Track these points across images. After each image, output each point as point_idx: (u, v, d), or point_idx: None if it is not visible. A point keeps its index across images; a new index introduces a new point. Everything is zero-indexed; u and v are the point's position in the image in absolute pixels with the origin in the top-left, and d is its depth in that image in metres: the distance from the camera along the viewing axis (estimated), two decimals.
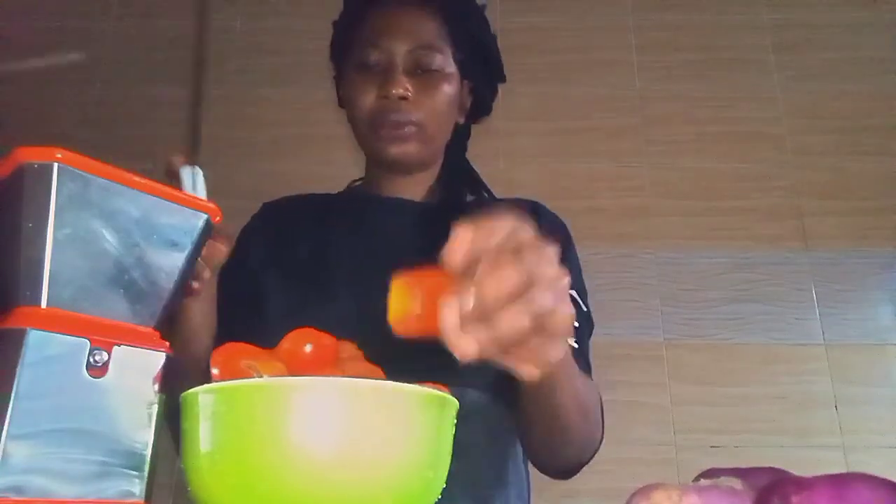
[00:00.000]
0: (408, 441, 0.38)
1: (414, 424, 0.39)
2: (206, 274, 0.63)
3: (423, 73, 0.84)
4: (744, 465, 0.46)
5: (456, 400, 0.43)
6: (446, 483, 0.42)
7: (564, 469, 0.77)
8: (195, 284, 0.63)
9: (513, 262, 0.41)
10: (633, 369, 1.66)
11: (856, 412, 1.64)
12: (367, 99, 0.84)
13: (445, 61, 0.86)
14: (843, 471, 0.40)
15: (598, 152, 1.90)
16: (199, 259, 0.60)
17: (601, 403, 0.76)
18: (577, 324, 0.78)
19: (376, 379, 0.41)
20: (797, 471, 0.43)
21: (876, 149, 1.86)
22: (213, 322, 0.73)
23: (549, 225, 0.90)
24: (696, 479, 0.45)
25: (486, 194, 0.98)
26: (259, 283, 0.85)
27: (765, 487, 0.41)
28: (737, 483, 0.43)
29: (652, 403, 1.65)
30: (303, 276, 0.83)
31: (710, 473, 0.45)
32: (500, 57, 0.96)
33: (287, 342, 0.47)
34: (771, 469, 0.45)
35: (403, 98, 0.82)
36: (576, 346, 0.77)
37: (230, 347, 0.46)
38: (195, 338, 0.69)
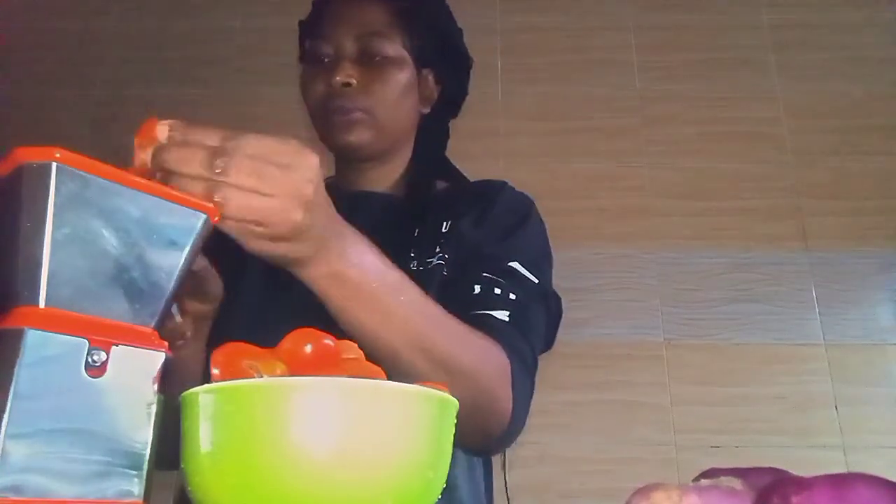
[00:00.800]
0: (408, 441, 0.38)
1: (414, 424, 0.39)
2: (188, 332, 0.65)
3: (370, 61, 0.84)
4: (744, 465, 0.46)
5: (456, 400, 0.43)
6: None
7: (463, 436, 0.75)
8: (179, 342, 0.64)
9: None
10: (633, 369, 1.66)
11: (856, 412, 1.64)
12: (317, 89, 0.85)
13: (393, 47, 0.85)
14: (843, 471, 0.40)
15: (598, 152, 1.90)
16: (182, 317, 0.61)
17: (513, 373, 0.70)
18: (513, 295, 0.76)
19: (377, 379, 0.41)
20: (797, 471, 0.43)
21: (876, 149, 1.87)
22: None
23: (509, 200, 0.88)
24: (697, 479, 0.45)
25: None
26: (228, 283, 0.85)
27: (765, 487, 0.40)
28: (737, 483, 0.43)
29: (652, 403, 1.65)
30: (274, 276, 0.83)
31: (710, 473, 0.45)
32: (461, 44, 0.95)
33: (288, 342, 0.47)
34: (771, 469, 0.45)
35: (347, 84, 0.82)
36: (506, 319, 0.73)
37: (230, 347, 0.46)
38: (193, 378, 0.68)
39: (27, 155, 0.39)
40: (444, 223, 0.84)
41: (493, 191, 0.89)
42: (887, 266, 1.76)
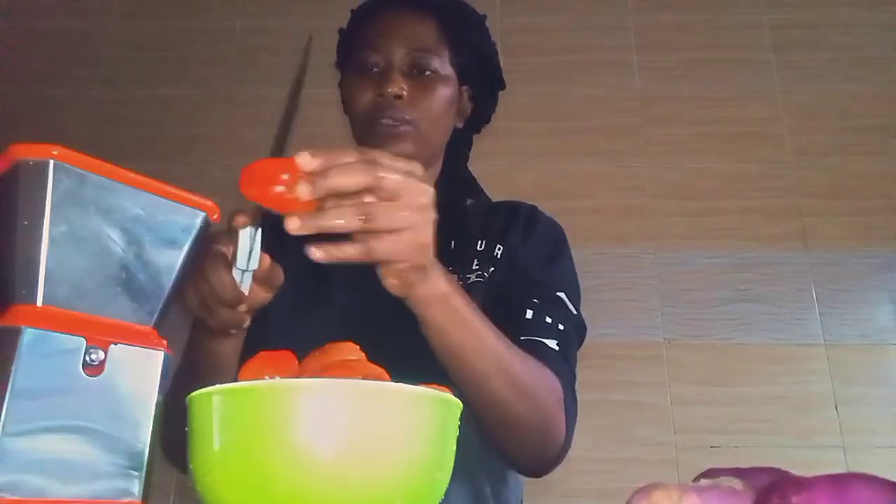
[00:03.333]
0: (414, 441, 0.39)
1: (420, 425, 0.39)
2: (247, 321, 0.66)
3: (419, 75, 0.86)
4: (744, 465, 0.46)
5: (460, 402, 0.43)
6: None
7: (522, 457, 0.77)
8: (233, 331, 0.66)
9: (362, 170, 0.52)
10: (633, 369, 1.66)
11: (856, 412, 1.64)
12: (364, 98, 0.86)
13: (441, 64, 0.88)
14: (843, 471, 0.40)
15: (598, 152, 1.90)
16: (242, 305, 0.62)
17: (565, 401, 0.75)
18: (561, 326, 0.80)
19: (382, 381, 0.41)
20: (797, 471, 0.43)
21: (876, 149, 1.87)
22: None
23: (541, 231, 0.92)
24: (697, 479, 0.45)
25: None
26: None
27: (765, 487, 0.40)
28: (737, 483, 0.43)
29: (652, 403, 1.65)
30: (303, 281, 0.84)
31: (710, 473, 0.45)
32: (499, 64, 0.97)
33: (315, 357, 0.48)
34: (771, 469, 0.45)
35: (398, 97, 0.84)
36: (556, 348, 0.78)
37: (259, 361, 0.47)
38: (227, 372, 0.69)
39: (24, 152, 0.39)
40: (479, 241, 0.87)
41: (527, 213, 0.93)
42: (887, 266, 1.76)
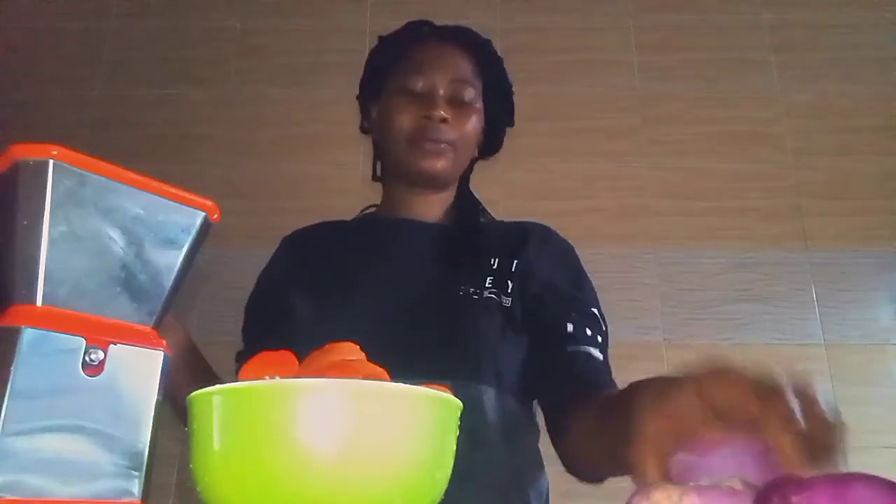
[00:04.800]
0: (414, 441, 0.39)
1: (420, 425, 0.39)
2: None
3: (459, 104, 0.95)
4: None
5: (459, 401, 0.43)
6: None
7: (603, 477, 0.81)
8: None
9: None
10: (633, 369, 1.64)
11: (856, 412, 1.63)
12: (408, 119, 0.93)
13: (476, 96, 0.97)
14: (843, 471, 0.40)
15: (598, 152, 1.90)
16: None
17: None
18: (599, 338, 0.85)
19: (382, 381, 0.41)
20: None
21: (876, 149, 1.86)
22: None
23: (553, 244, 0.96)
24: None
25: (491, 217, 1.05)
26: (287, 300, 0.91)
27: (765, 487, 0.40)
28: (737, 483, 0.43)
29: None
30: (326, 292, 0.90)
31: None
32: (513, 102, 1.06)
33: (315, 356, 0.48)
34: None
35: (444, 120, 0.92)
36: (601, 357, 0.83)
37: (259, 361, 0.47)
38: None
39: (24, 152, 0.39)
40: (493, 259, 0.91)
41: (540, 231, 0.98)
42: (887, 266, 1.76)
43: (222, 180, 1.83)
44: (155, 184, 0.44)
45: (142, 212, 0.43)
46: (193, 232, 0.45)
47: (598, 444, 0.72)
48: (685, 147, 1.90)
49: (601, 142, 1.91)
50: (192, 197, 0.45)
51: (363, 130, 1.05)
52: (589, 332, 0.85)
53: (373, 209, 1.06)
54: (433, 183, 0.97)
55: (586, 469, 0.79)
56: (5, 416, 0.36)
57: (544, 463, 0.90)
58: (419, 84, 0.95)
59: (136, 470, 0.41)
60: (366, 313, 0.84)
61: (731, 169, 1.87)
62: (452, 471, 0.42)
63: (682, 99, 1.94)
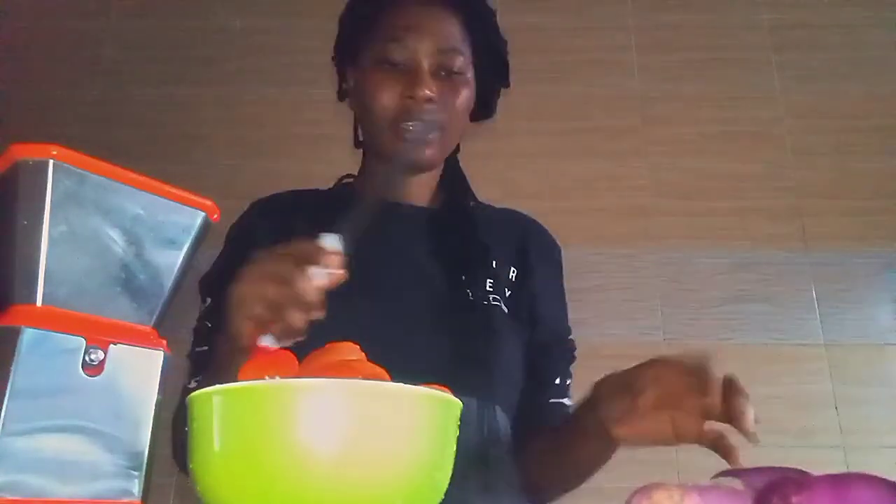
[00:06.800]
0: (413, 441, 0.39)
1: (420, 425, 0.39)
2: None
3: (446, 76, 0.83)
4: (743, 465, 0.46)
5: (460, 402, 0.43)
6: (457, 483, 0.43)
7: (551, 499, 0.87)
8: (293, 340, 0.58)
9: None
10: None
11: (856, 412, 1.64)
12: (390, 97, 0.82)
13: (466, 64, 0.85)
14: (843, 471, 0.40)
15: (598, 152, 1.90)
16: (317, 311, 0.56)
17: None
18: (569, 381, 0.88)
19: (382, 381, 0.41)
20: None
21: (876, 149, 1.86)
22: None
23: (545, 248, 0.94)
24: (716, 477, 0.45)
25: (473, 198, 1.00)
26: None
27: (765, 487, 0.40)
28: (737, 483, 0.43)
29: None
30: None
31: (730, 474, 0.45)
32: (508, 61, 0.94)
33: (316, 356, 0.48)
34: (771, 469, 0.45)
35: (430, 101, 0.80)
36: (570, 404, 0.85)
37: (259, 361, 0.47)
38: None
39: (24, 152, 0.39)
40: (492, 259, 0.87)
41: (536, 233, 0.95)
42: (887, 266, 1.76)
43: (222, 180, 1.83)
44: (155, 184, 0.44)
45: (142, 212, 0.43)
46: (193, 232, 0.45)
47: (547, 454, 0.80)
48: (685, 147, 1.90)
49: (601, 142, 1.91)
50: (192, 197, 0.45)
51: (340, 97, 0.94)
52: (568, 382, 0.87)
53: (350, 180, 0.96)
54: (418, 171, 0.88)
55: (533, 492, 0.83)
56: (5, 416, 0.36)
57: None
58: (400, 55, 0.82)
59: (136, 470, 0.41)
60: (359, 311, 0.72)
61: (731, 169, 1.87)
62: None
63: (682, 99, 1.94)
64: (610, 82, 1.97)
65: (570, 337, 0.91)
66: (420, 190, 0.91)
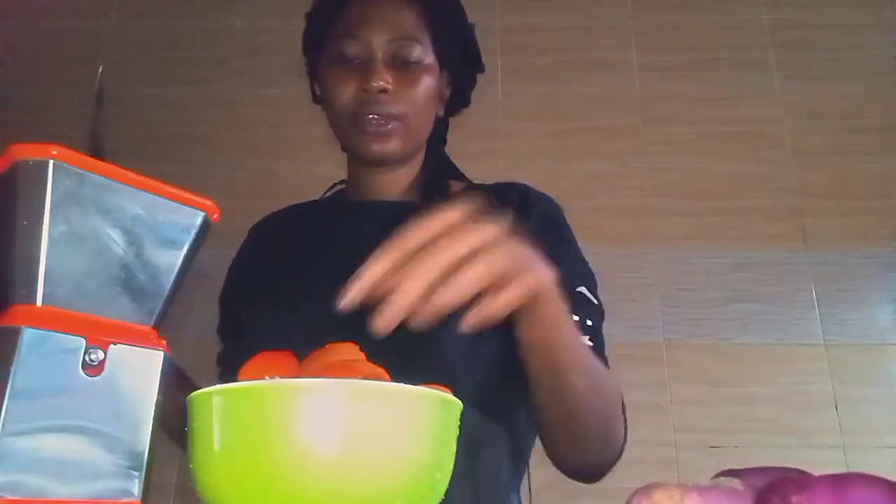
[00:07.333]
0: (414, 441, 0.39)
1: (420, 425, 0.39)
2: None
3: (402, 65, 0.82)
4: (744, 465, 0.46)
5: (460, 402, 0.43)
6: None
7: (585, 465, 0.77)
8: None
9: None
10: (633, 369, 1.66)
11: (856, 412, 1.64)
12: (346, 92, 0.81)
13: (425, 52, 0.83)
14: (843, 471, 0.40)
15: (598, 152, 1.90)
16: None
17: (623, 401, 0.74)
18: (589, 322, 0.78)
19: (382, 381, 0.41)
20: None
21: (876, 149, 1.86)
22: None
23: (540, 212, 0.87)
24: (716, 477, 0.45)
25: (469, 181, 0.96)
26: (238, 305, 0.85)
27: (765, 487, 0.40)
28: (737, 483, 0.43)
29: (652, 403, 1.65)
30: (271, 292, 0.82)
31: (729, 474, 0.45)
32: (477, 46, 0.93)
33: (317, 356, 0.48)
34: (771, 469, 0.45)
35: (384, 91, 0.79)
36: (590, 344, 0.76)
37: (259, 361, 0.47)
38: None
39: (24, 152, 0.39)
40: None
41: (520, 194, 0.88)
42: (887, 266, 1.76)
43: (222, 180, 1.83)
44: (155, 184, 0.43)
45: (142, 212, 0.42)
46: (193, 232, 0.45)
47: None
48: (685, 147, 1.90)
49: (601, 142, 1.91)
50: (192, 197, 0.45)
51: (315, 100, 0.93)
52: (576, 318, 0.76)
53: (343, 185, 0.96)
54: (383, 165, 0.86)
55: (561, 456, 0.76)
56: (5, 416, 0.36)
57: (520, 488, 0.85)
58: (354, 49, 0.81)
59: (136, 470, 0.41)
60: (307, 318, 0.70)
61: (731, 169, 1.87)
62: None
63: (682, 99, 1.94)
64: (610, 82, 1.97)
65: (580, 289, 0.83)
66: (396, 184, 0.88)
